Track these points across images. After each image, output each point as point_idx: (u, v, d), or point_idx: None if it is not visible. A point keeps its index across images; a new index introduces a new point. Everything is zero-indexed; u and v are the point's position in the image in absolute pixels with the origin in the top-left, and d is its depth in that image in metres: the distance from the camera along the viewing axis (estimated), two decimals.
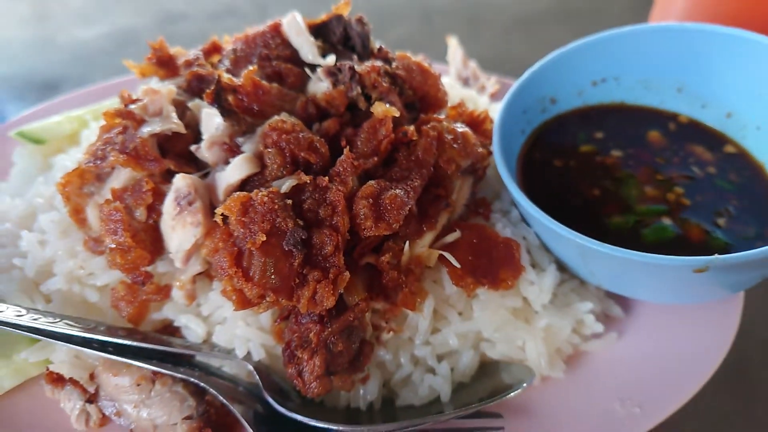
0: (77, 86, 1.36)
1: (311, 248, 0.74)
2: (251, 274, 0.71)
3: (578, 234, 0.77)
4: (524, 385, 0.80)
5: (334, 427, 0.74)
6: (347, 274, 0.74)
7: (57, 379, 0.84)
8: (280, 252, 0.73)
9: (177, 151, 0.83)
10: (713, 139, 1.05)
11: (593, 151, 1.04)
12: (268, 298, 0.73)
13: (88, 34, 1.85)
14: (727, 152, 1.03)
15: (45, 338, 0.81)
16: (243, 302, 0.75)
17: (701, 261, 0.72)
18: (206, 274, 0.83)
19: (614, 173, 1.00)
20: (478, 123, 0.99)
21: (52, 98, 1.33)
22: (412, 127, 0.85)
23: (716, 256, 0.73)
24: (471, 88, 1.25)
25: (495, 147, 0.91)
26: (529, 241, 0.91)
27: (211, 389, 0.79)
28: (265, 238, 0.71)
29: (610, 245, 0.76)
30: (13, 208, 0.98)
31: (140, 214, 0.78)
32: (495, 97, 1.26)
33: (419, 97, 0.93)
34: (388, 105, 0.84)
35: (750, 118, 1.03)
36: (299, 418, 0.75)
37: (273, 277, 0.72)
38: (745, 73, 1.02)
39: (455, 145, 0.88)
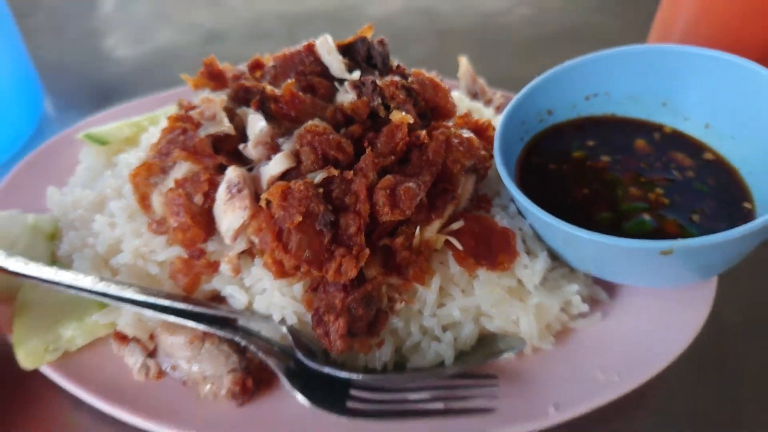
0: (130, 97, 1.54)
1: (338, 229, 0.90)
2: (289, 248, 0.87)
3: (563, 222, 0.92)
4: (516, 349, 0.93)
5: (355, 376, 0.88)
6: (367, 250, 0.89)
7: (122, 338, 1.00)
8: (313, 231, 0.88)
9: (228, 149, 1.00)
10: (693, 147, 1.19)
11: (584, 156, 1.18)
12: (302, 269, 0.89)
13: (137, 52, 2.05)
14: (705, 158, 1.16)
15: (113, 302, 0.98)
16: (281, 273, 0.91)
17: (665, 244, 0.86)
18: (249, 252, 0.99)
19: (603, 176, 1.14)
20: (482, 130, 1.14)
21: (108, 108, 1.52)
22: (424, 132, 1.00)
23: (679, 240, 0.86)
24: (479, 101, 1.40)
25: (496, 150, 1.05)
26: (524, 231, 1.05)
27: (251, 347, 0.95)
28: (301, 219, 0.87)
29: (588, 231, 0.90)
30: (85, 197, 1.16)
31: (198, 199, 0.95)
32: (500, 110, 1.41)
33: (431, 107, 1.09)
34: (404, 113, 1.00)
35: (725, 129, 1.16)
36: (326, 370, 0.90)
37: (306, 251, 0.88)
38: (720, 89, 1.15)
39: (461, 148, 1.03)
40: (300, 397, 0.89)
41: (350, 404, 0.88)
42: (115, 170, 1.20)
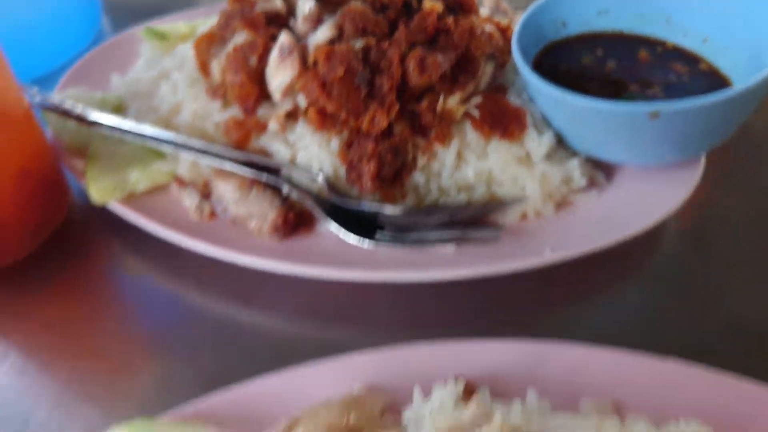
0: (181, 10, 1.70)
1: (373, 87, 1.05)
2: (332, 96, 1.02)
3: (563, 90, 1.06)
4: (520, 202, 1.08)
5: (382, 210, 1.04)
6: (397, 105, 1.04)
7: (181, 182, 1.15)
8: (352, 85, 1.03)
9: (279, 23, 1.15)
10: (691, 58, 1.32)
11: (592, 61, 1.32)
12: (341, 118, 1.04)
13: None
14: (701, 69, 1.29)
15: (174, 150, 1.13)
16: (322, 124, 1.06)
17: (652, 106, 1.00)
18: (294, 114, 1.14)
19: (607, 77, 1.28)
20: (502, 30, 1.28)
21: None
22: (451, 19, 1.15)
23: (664, 102, 1.00)
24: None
25: (513, 43, 1.20)
26: (534, 113, 1.20)
27: (293, 193, 1.10)
28: (342, 74, 1.02)
29: (584, 97, 1.04)
30: (147, 76, 1.32)
31: (253, 61, 1.10)
32: None
33: (458, 4, 1.23)
34: (434, 2, 1.14)
35: (721, 42, 1.29)
36: (356, 205, 1.05)
37: (346, 101, 1.03)
38: (717, 6, 1.28)
39: (483, 38, 1.18)
40: (333, 226, 1.04)
41: (377, 235, 1.04)
42: (175, 56, 1.35)
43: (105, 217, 1.19)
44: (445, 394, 0.78)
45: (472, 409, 0.72)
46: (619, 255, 1.13)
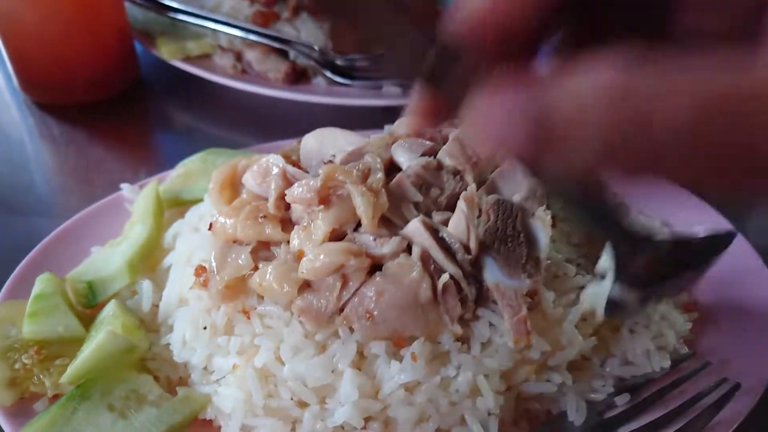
0: None
1: None
2: None
3: None
4: None
5: (355, 63, 1.63)
6: None
7: (222, 50, 1.73)
8: None
9: None
10: None
11: None
12: None
13: None
14: None
15: (216, 26, 1.71)
16: (317, 12, 1.66)
17: None
18: (299, 6, 1.72)
19: None
20: None
21: None
22: None
23: None
24: None
25: None
26: None
27: (298, 56, 1.69)
28: None
29: None
30: None
31: None
32: None
33: None
34: None
35: None
36: (340, 61, 1.65)
37: None
38: None
39: None
40: (327, 73, 1.63)
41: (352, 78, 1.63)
42: None
43: (163, 81, 1.77)
44: None
45: None
46: None
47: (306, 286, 0.92)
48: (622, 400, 0.95)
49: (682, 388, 0.97)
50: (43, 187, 1.47)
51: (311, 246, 0.93)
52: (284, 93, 1.61)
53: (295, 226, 0.98)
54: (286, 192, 0.98)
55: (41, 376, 0.90)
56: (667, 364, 0.99)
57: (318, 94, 1.63)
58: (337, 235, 0.95)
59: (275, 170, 1.03)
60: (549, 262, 1.01)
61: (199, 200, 1.17)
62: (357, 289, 0.91)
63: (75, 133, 1.60)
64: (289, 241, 0.96)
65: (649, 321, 1.03)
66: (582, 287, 1.02)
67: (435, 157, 1.09)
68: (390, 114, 1.19)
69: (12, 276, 1.06)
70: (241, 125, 1.70)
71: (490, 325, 0.92)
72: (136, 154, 1.57)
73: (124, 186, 1.25)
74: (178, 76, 1.71)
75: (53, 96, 1.68)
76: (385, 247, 0.93)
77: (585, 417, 0.93)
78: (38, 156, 1.57)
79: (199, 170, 1.28)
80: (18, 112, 1.70)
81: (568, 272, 1.03)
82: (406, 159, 1.08)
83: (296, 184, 0.98)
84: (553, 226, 1.18)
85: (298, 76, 1.69)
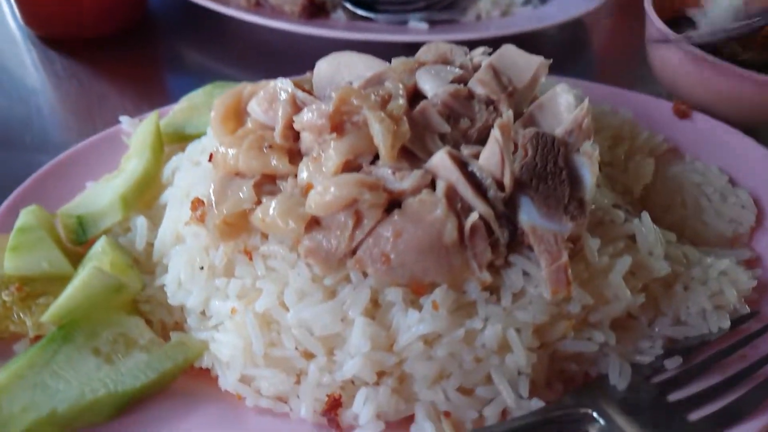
0: None
1: None
2: None
3: None
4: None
5: None
6: None
7: None
8: None
9: None
10: None
11: None
12: None
13: None
14: None
15: None
16: None
17: None
18: None
19: None
20: None
21: None
22: None
23: None
24: None
25: None
26: None
27: None
28: None
29: None
30: None
31: None
32: None
33: None
34: None
35: None
36: None
37: None
38: None
39: None
40: (348, 4, 1.49)
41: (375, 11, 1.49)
42: None
43: (172, 16, 1.64)
44: None
45: None
46: None
47: (315, 223, 0.81)
48: (673, 364, 0.83)
49: (743, 351, 0.84)
50: (42, 123, 1.37)
51: (321, 179, 0.82)
52: (301, 27, 1.48)
53: (304, 158, 0.86)
54: (294, 119, 0.87)
55: (22, 315, 0.82)
56: (726, 324, 0.86)
57: (337, 29, 1.49)
58: (351, 168, 0.83)
59: (283, 96, 0.91)
60: (594, 206, 0.89)
61: (203, 135, 1.07)
62: (372, 229, 0.79)
63: (78, 69, 1.50)
64: (296, 175, 0.85)
65: (706, 277, 0.90)
66: (632, 236, 0.90)
67: (465, 86, 0.97)
68: (416, 52, 1.06)
69: None
70: (253, 64, 1.57)
71: (524, 273, 0.80)
72: (140, 91, 1.46)
73: (124, 119, 1.15)
74: (188, 10, 1.59)
75: (58, 30, 1.58)
76: (406, 181, 0.81)
77: (629, 381, 0.81)
78: (39, 91, 1.47)
79: (203, 104, 1.16)
80: (21, 47, 1.60)
81: (615, 218, 0.90)
82: (433, 86, 0.95)
83: (306, 109, 0.86)
84: (599, 170, 1.06)
85: (316, 10, 1.55)
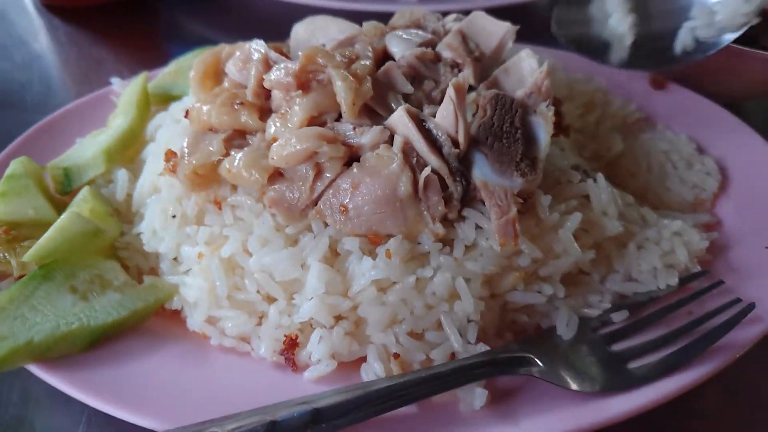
0: None
1: None
2: None
3: None
4: None
5: None
6: None
7: None
8: None
9: None
10: None
11: None
12: None
13: None
14: None
15: None
16: None
17: None
18: None
19: None
20: None
21: None
22: None
23: None
24: None
25: None
26: None
27: None
28: None
29: None
30: None
31: None
32: None
33: None
34: None
35: None
36: None
37: None
38: None
39: None
40: None
41: None
42: None
43: None
44: None
45: None
46: None
47: (278, 175, 0.86)
48: (620, 317, 0.86)
49: (689, 308, 0.87)
50: (42, 86, 1.43)
51: (286, 133, 0.86)
52: None
53: (272, 114, 0.91)
54: (263, 77, 0.91)
55: (8, 256, 0.88)
56: (674, 281, 0.89)
57: None
58: (315, 124, 0.87)
59: (256, 56, 0.95)
60: (554, 168, 0.92)
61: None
62: (332, 181, 0.84)
63: (79, 36, 1.56)
64: (265, 130, 0.90)
65: (660, 237, 0.93)
66: (586, 196, 0.93)
67: (434, 49, 1.00)
68: None
69: None
70: (251, 34, 1.58)
71: (477, 227, 0.84)
72: (137, 58, 1.51)
73: (114, 80, 1.20)
74: None
75: None
76: (365, 136, 0.85)
77: (575, 332, 0.85)
78: (41, 56, 1.54)
79: (190, 67, 1.21)
80: (28, 14, 1.66)
81: (572, 179, 0.93)
82: (401, 49, 0.98)
83: (274, 68, 0.90)
84: (567, 135, 1.09)
85: None
